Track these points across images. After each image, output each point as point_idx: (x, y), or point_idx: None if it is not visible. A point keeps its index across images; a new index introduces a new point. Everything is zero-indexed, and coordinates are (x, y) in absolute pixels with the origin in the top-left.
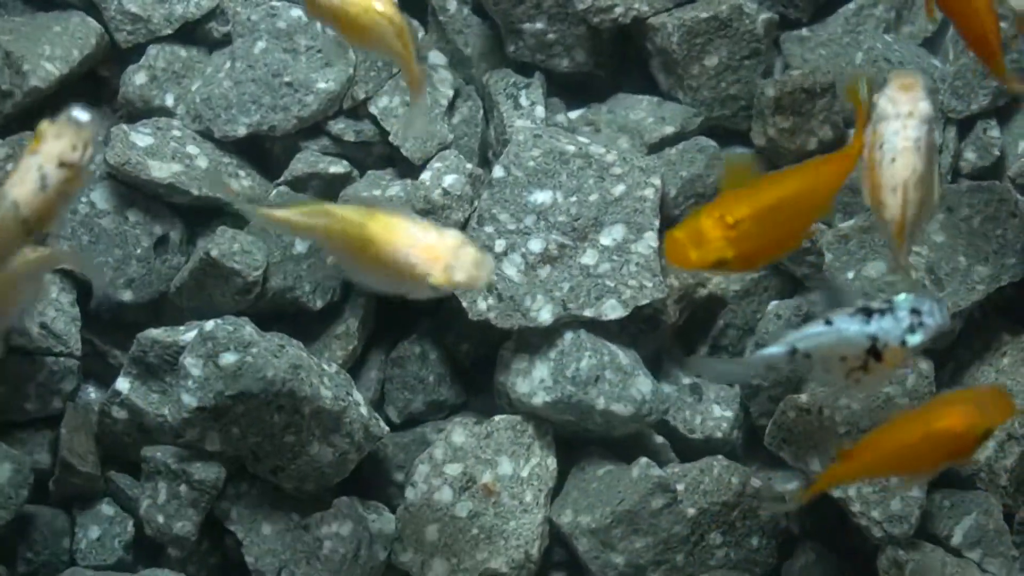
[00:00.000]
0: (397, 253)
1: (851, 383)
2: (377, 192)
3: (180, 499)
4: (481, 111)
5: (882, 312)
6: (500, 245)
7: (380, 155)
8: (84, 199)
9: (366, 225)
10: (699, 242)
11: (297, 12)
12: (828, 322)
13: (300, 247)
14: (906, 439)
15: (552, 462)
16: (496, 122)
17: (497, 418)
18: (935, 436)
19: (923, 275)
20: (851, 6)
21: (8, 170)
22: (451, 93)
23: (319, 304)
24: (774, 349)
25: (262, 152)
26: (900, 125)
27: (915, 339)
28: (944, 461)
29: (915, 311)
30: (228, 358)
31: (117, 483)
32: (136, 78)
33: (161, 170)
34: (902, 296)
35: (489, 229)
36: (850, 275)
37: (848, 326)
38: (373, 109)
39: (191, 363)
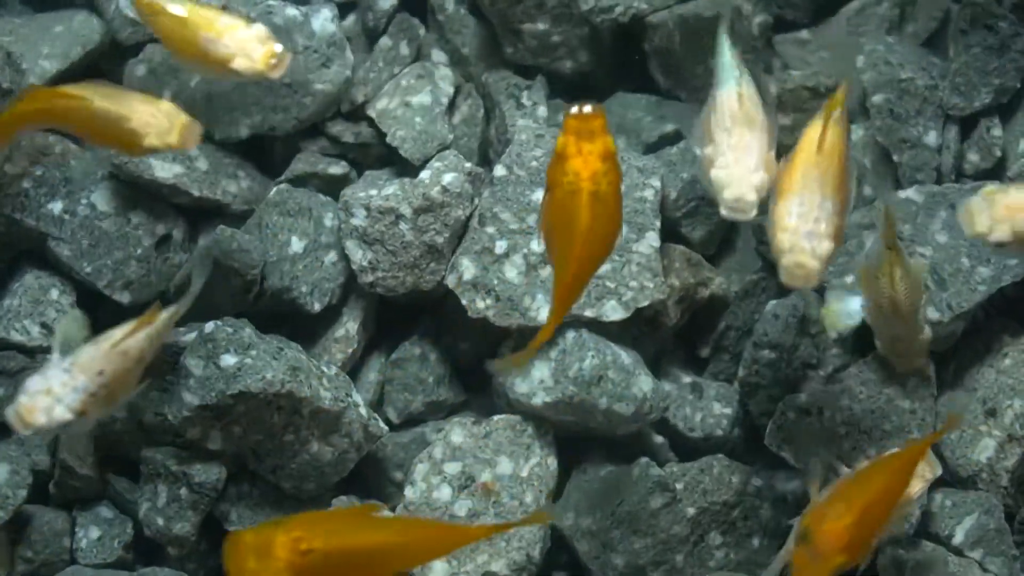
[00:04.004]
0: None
1: None
2: (374, 192)
3: (180, 501)
4: (482, 110)
5: None
6: (502, 246)
7: (378, 156)
8: (84, 201)
9: None
10: (262, 555)
11: (293, 11)
12: None
13: (296, 247)
14: None
15: (553, 462)
16: (498, 122)
17: (496, 417)
18: None
19: (926, 275)
20: (854, 5)
21: (6, 170)
22: (452, 91)
23: (317, 307)
24: None
25: (262, 151)
26: None
27: None
28: None
29: None
30: (228, 360)
31: (116, 486)
32: (136, 70)
33: (164, 170)
34: None
35: (491, 229)
36: (848, 279)
37: None
38: (371, 112)
39: (192, 363)
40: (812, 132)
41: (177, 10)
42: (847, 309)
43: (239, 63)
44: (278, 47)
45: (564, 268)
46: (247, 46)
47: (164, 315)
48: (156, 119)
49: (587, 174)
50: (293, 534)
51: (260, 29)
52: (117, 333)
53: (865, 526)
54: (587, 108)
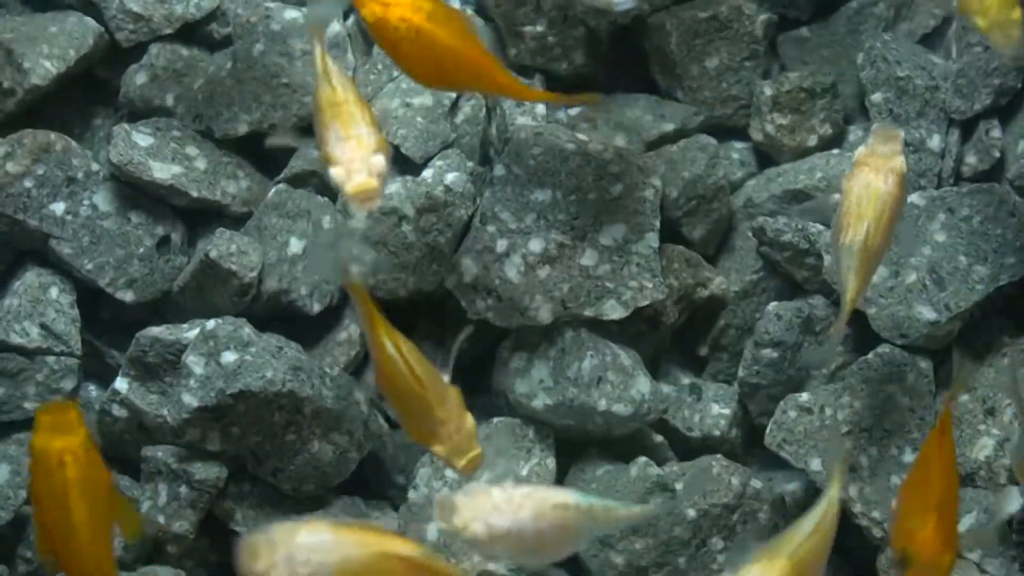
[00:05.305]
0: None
1: None
2: None
3: (180, 500)
4: (483, 110)
5: None
6: (502, 245)
7: None
8: (86, 202)
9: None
10: None
11: (292, 14)
12: None
13: (295, 248)
14: None
15: (551, 462)
16: (498, 120)
17: (496, 420)
18: None
19: (924, 275)
20: (853, 4)
21: (7, 169)
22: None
23: (316, 308)
24: None
25: (262, 150)
26: (877, 177)
27: None
28: None
29: None
30: (228, 357)
31: (118, 485)
32: (137, 78)
33: (163, 171)
34: None
35: (491, 229)
36: None
37: None
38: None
39: (193, 361)
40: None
41: (338, 86)
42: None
43: (335, 171)
44: (373, 185)
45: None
46: (354, 165)
47: None
48: (457, 436)
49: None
50: None
51: (379, 162)
52: None
53: (947, 519)
54: None
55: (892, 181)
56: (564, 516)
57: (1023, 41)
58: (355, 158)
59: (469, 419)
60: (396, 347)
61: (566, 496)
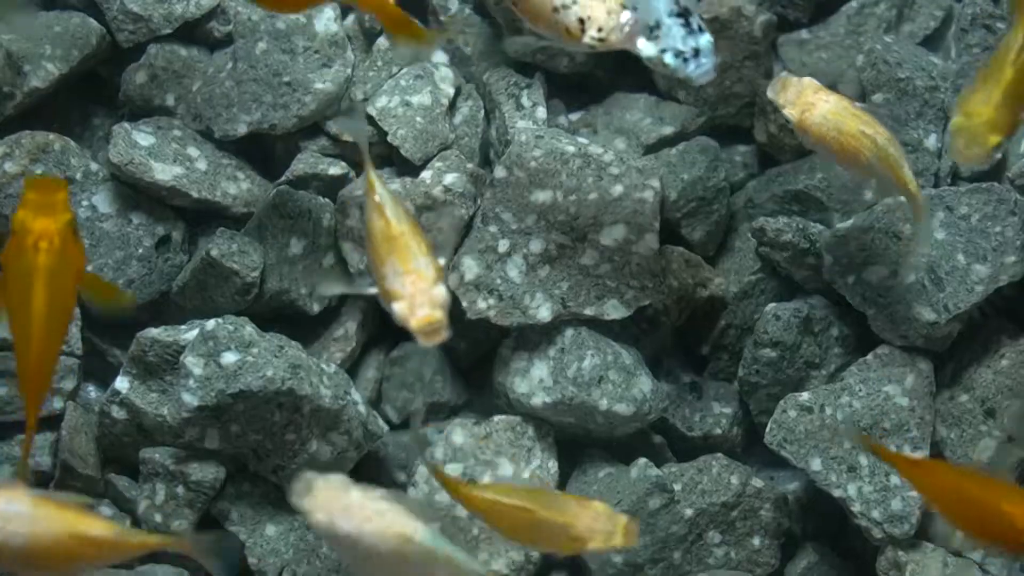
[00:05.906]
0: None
1: None
2: None
3: (177, 499)
4: (482, 110)
5: None
6: (503, 246)
7: (379, 154)
8: (85, 203)
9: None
10: None
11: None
12: None
13: (296, 249)
14: None
15: (553, 464)
16: (498, 122)
17: (496, 418)
18: None
19: (923, 275)
20: (853, 4)
21: (6, 169)
22: (452, 92)
23: (316, 308)
24: None
25: (263, 151)
26: (822, 105)
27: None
28: None
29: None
30: (229, 357)
31: (116, 485)
32: (137, 77)
33: (164, 172)
34: None
35: (493, 229)
36: (850, 280)
37: None
38: (371, 110)
39: (192, 362)
40: None
41: (392, 219)
42: None
43: (398, 307)
44: (438, 318)
45: None
46: (417, 300)
47: None
48: (598, 523)
49: None
50: None
51: (441, 293)
52: None
53: (998, 485)
54: None
55: (829, 96)
56: (401, 548)
57: (980, 159)
58: (417, 292)
59: (595, 503)
60: (487, 493)
61: (414, 530)
